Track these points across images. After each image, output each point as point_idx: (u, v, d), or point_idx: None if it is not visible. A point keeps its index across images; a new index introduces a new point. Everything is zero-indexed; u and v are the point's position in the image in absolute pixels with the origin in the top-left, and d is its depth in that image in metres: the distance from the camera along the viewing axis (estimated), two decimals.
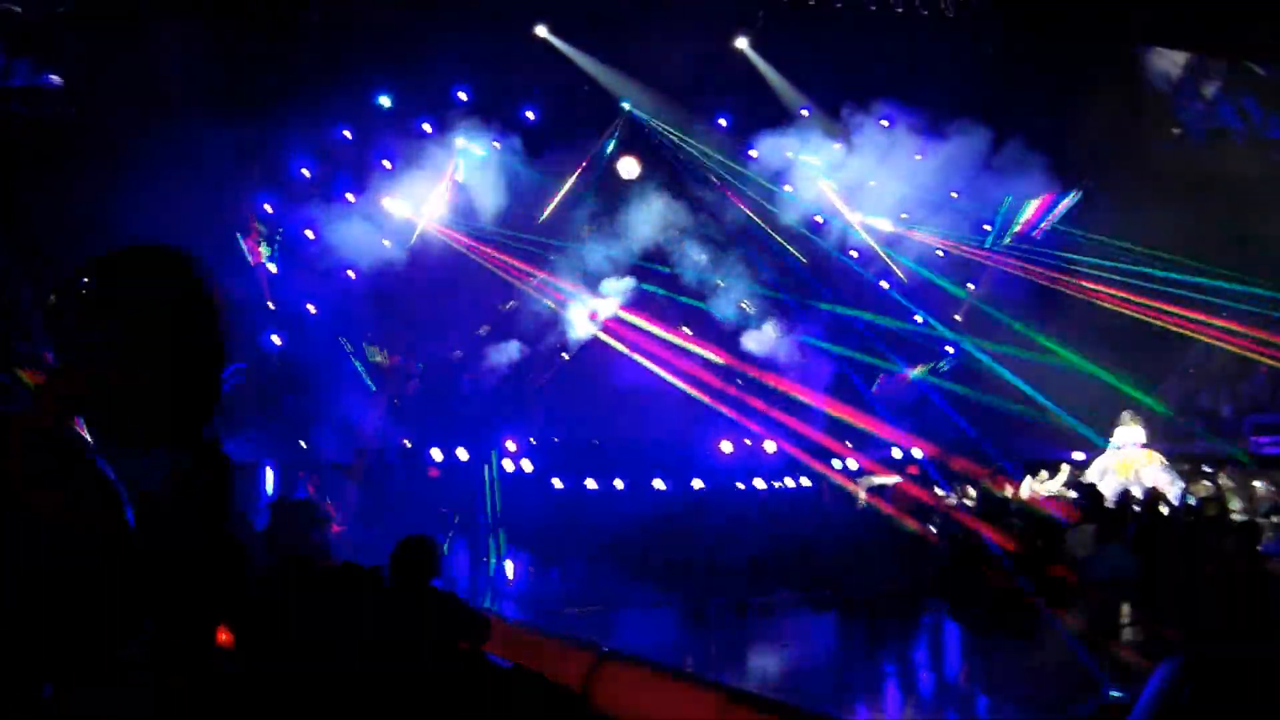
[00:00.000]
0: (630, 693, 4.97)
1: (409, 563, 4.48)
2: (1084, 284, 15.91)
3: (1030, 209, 16.75)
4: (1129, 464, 12.35)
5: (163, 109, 13.36)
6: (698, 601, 8.15)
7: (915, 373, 17.50)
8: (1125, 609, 7.40)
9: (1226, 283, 15.15)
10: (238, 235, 15.35)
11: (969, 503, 12.85)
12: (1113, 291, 15.60)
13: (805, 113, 16.79)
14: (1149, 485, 11.75)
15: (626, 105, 16.98)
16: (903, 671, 5.84)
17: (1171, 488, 11.94)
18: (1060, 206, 16.75)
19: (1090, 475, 12.63)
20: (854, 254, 17.25)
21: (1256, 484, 12.71)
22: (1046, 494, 12.07)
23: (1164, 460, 12.47)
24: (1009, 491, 12.56)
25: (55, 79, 14.55)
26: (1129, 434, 12.52)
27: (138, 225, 12.85)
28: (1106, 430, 13.25)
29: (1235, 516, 10.72)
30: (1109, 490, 11.34)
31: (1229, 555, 8.13)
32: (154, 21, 13.73)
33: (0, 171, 13.36)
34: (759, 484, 15.26)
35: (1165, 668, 2.49)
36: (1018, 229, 16.86)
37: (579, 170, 16.73)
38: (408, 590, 4.41)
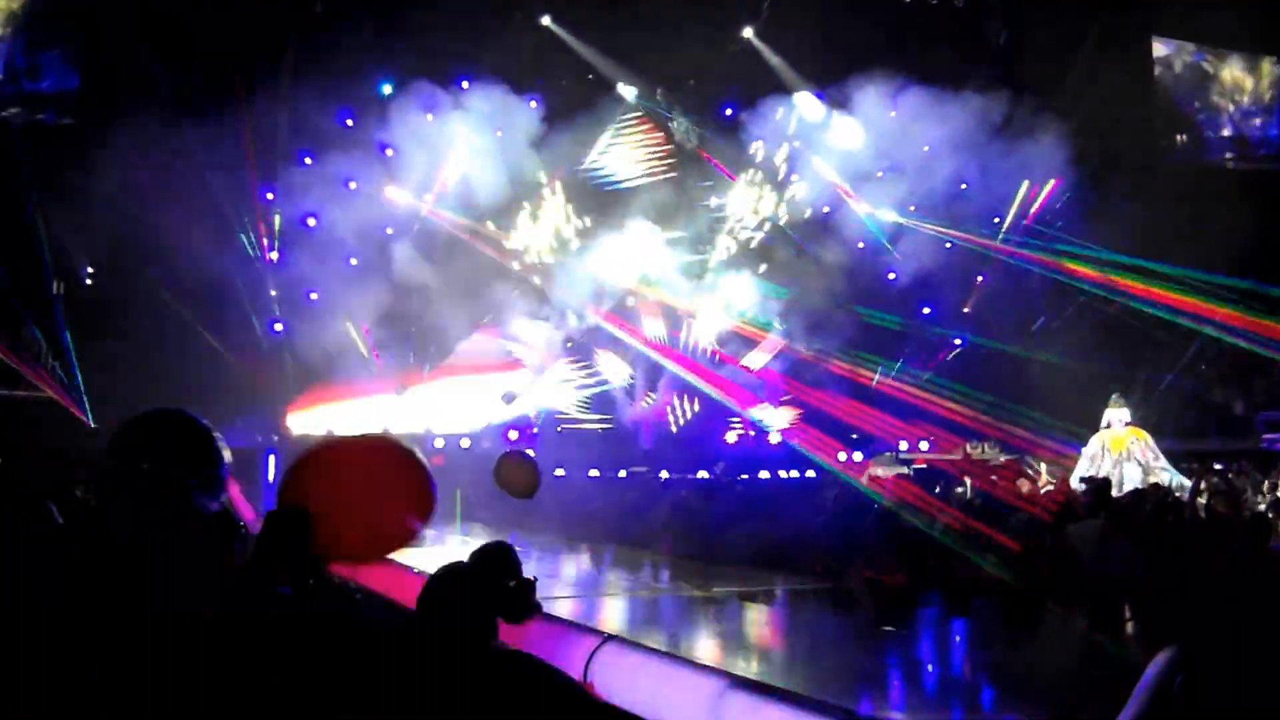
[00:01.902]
0: (631, 677, 4.90)
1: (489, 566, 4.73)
2: (1089, 274, 15.75)
3: (1038, 199, 16.59)
4: (1120, 441, 12.67)
5: (166, 99, 13.34)
6: (701, 589, 8.09)
7: (923, 374, 17.33)
8: (1131, 605, 7.32)
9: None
10: (241, 223, 15.32)
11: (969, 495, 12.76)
12: (1117, 282, 15.43)
13: (813, 101, 16.65)
14: (1140, 461, 12.22)
15: (631, 95, 16.88)
16: (904, 662, 5.76)
17: (1157, 464, 12.37)
18: (1060, 196, 16.58)
19: (1083, 459, 12.78)
20: (860, 245, 17.06)
21: (1266, 480, 12.65)
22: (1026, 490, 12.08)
23: (1149, 439, 12.82)
24: (1024, 486, 12.48)
25: (77, 80, 14.59)
26: (1117, 414, 12.96)
27: (142, 217, 12.82)
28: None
29: (1245, 513, 10.62)
30: (1104, 470, 11.53)
31: (1239, 551, 8.03)
32: (158, 11, 13.73)
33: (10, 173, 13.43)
34: (764, 474, 15.17)
35: (1160, 659, 2.49)
36: (1026, 219, 16.70)
37: (582, 160, 16.67)
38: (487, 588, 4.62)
